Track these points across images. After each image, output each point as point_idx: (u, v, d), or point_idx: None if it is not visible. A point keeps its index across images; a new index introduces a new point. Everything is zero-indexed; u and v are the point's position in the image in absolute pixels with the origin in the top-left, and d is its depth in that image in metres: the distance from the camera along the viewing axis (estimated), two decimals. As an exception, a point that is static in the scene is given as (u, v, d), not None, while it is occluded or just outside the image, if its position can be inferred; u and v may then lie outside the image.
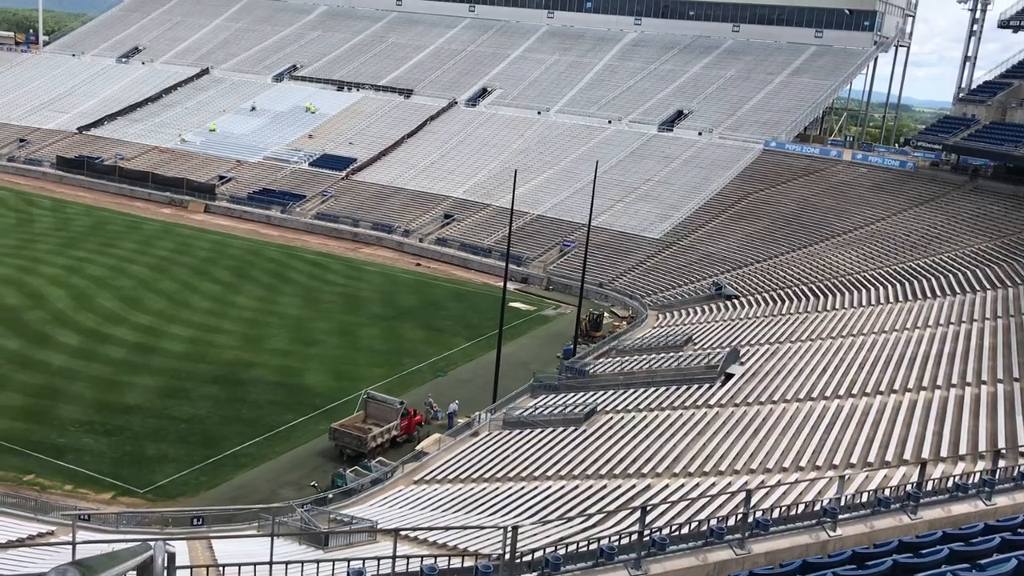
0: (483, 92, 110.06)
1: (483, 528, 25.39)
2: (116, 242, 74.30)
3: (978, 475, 17.61)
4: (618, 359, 51.59)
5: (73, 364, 47.49)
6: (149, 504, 34.52)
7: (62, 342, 50.62)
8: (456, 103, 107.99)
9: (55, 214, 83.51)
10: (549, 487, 32.27)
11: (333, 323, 59.20)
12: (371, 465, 37.95)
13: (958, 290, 54.83)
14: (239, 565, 11.60)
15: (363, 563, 13.44)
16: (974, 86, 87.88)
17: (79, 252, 69.70)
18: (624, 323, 64.24)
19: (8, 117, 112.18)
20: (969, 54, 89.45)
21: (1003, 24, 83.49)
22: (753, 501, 15.33)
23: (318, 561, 14.15)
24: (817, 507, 15.20)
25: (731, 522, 13.98)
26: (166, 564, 6.69)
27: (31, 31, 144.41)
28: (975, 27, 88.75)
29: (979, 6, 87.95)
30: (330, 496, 34.39)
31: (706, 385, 42.29)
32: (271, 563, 11.58)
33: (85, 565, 5.16)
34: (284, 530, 27.77)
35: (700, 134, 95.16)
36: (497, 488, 33.10)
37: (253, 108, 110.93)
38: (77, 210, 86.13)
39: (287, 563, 13.26)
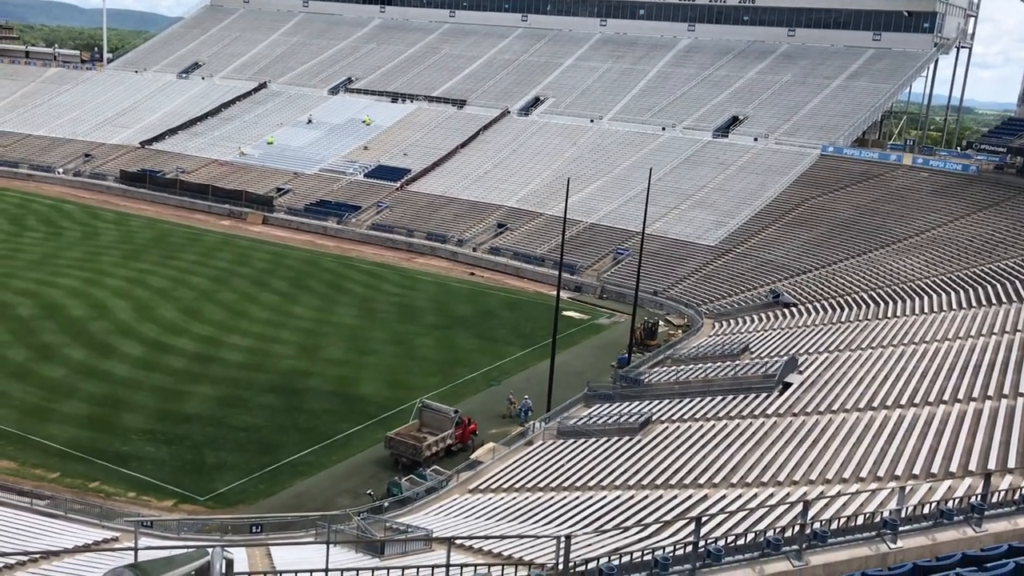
0: (536, 101, 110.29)
1: (537, 537, 25.35)
2: (177, 254, 75.92)
3: (1046, 487, 17.08)
4: (673, 368, 51.18)
5: (136, 374, 48.60)
6: (209, 511, 35.13)
7: (125, 352, 51.83)
8: (509, 112, 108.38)
9: (118, 227, 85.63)
10: (604, 497, 32.10)
11: (388, 332, 59.71)
12: (426, 474, 38.16)
13: (1024, 296, 53.37)
14: (296, 572, 11.75)
15: (418, 571, 13.52)
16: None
17: (141, 264, 71.35)
18: (679, 332, 63.72)
19: (74, 133, 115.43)
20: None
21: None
22: (811, 512, 15.08)
23: (374, 569, 14.26)
24: (877, 519, 14.87)
25: (788, 533, 13.77)
26: (224, 570, 6.80)
27: (96, 49, 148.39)
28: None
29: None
30: (386, 504, 34.65)
31: (763, 394, 41.71)
32: (327, 570, 11.71)
33: (141, 568, 5.27)
34: (341, 538, 28.06)
35: (756, 140, 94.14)
36: (551, 497, 33.03)
37: (310, 121, 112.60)
38: (139, 223, 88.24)
39: (343, 571, 13.39)
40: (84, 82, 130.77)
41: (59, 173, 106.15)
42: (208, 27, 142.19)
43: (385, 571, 14.20)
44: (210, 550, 5.90)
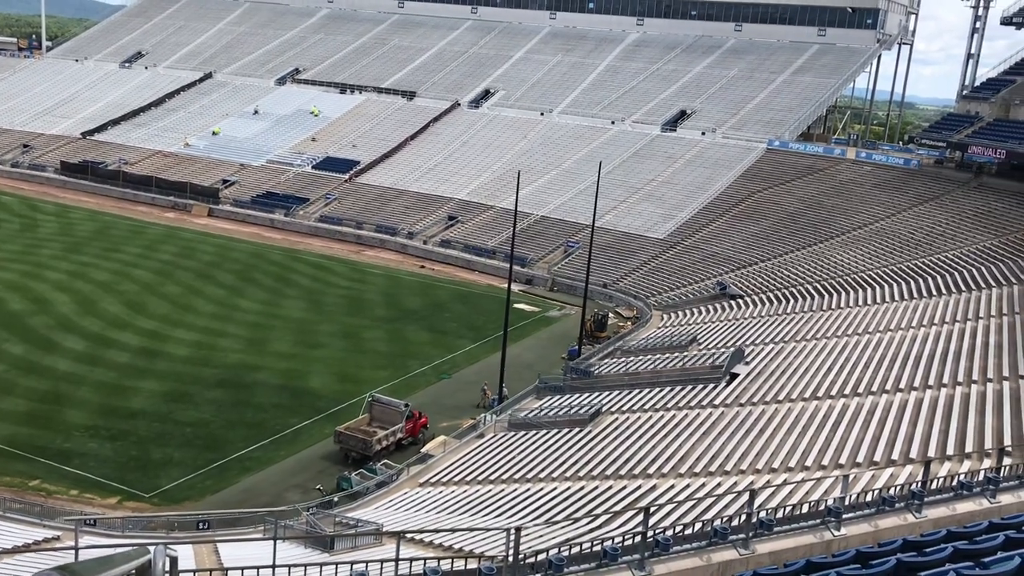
0: (486, 94, 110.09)
1: (487, 530, 25.38)
2: (120, 247, 74.44)
3: (983, 473, 17.54)
4: (623, 360, 51.54)
5: (78, 369, 47.57)
6: (155, 508, 34.55)
7: (67, 347, 50.70)
8: (459, 105, 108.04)
9: (59, 219, 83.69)
10: (554, 488, 32.24)
11: (337, 326, 59.22)
12: (376, 468, 37.97)
13: (963, 288, 54.71)
14: (243, 569, 11.58)
15: (366, 566, 13.44)
16: (977, 83, 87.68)
17: (83, 257, 69.83)
18: (629, 323, 64.21)
19: (12, 123, 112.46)
20: (972, 51, 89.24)
21: (1005, 21, 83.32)
22: (758, 501, 15.30)
23: (322, 564, 14.14)
24: (822, 506, 15.15)
25: (735, 522, 13.95)
26: (167, 568, 6.66)
27: (34, 36, 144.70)
28: (978, 24, 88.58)
29: (982, 3, 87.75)
30: (335, 499, 34.41)
31: (711, 385, 42.23)
32: (274, 566, 11.57)
33: (71, 570, 5.10)
34: (289, 534, 27.80)
35: (703, 134, 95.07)
36: (503, 490, 33.08)
37: (256, 112, 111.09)
38: (81, 215, 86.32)
39: (291, 566, 13.24)
40: (22, 70, 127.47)
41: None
42: (152, 15, 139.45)
43: (334, 566, 14.10)
44: (152, 548, 5.75)
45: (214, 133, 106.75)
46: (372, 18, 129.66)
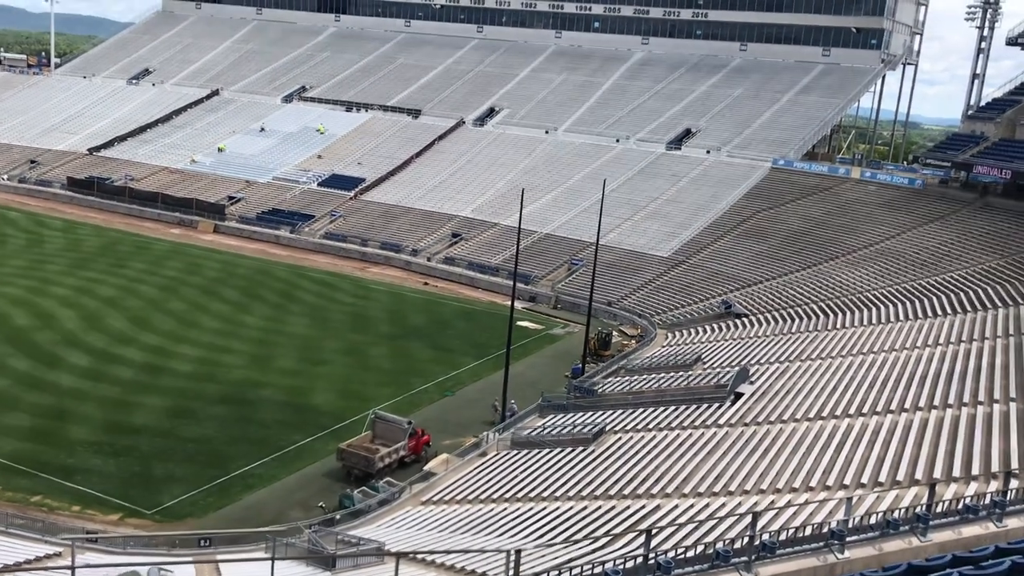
0: (491, 112, 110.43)
1: (487, 551, 25.24)
2: (126, 262, 74.59)
3: (989, 496, 17.40)
4: (627, 378, 51.43)
5: (82, 385, 47.57)
6: (156, 525, 34.45)
7: (71, 363, 50.72)
8: (464, 123, 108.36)
9: (65, 235, 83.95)
10: (557, 508, 32.08)
11: (341, 342, 59.20)
12: (379, 486, 37.83)
13: (969, 308, 54.53)
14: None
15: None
16: (983, 103, 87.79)
17: (89, 273, 69.96)
18: (633, 342, 64.06)
19: (20, 138, 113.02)
20: (977, 71, 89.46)
21: (1011, 42, 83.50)
22: (761, 523, 15.21)
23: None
24: (825, 529, 15.02)
25: (738, 545, 13.85)
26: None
27: (43, 53, 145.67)
28: (983, 44, 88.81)
29: (987, 24, 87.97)
30: (338, 517, 34.28)
31: (715, 404, 42.08)
32: (273, 587, 11.51)
33: None
34: (291, 552, 27.66)
35: (708, 152, 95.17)
36: (505, 509, 32.92)
37: (262, 129, 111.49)
38: (87, 231, 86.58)
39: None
40: (31, 87, 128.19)
41: (3, 180, 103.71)
42: (159, 33, 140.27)
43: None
44: (143, 571, 5.70)
45: (220, 150, 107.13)
46: (379, 36, 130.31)
